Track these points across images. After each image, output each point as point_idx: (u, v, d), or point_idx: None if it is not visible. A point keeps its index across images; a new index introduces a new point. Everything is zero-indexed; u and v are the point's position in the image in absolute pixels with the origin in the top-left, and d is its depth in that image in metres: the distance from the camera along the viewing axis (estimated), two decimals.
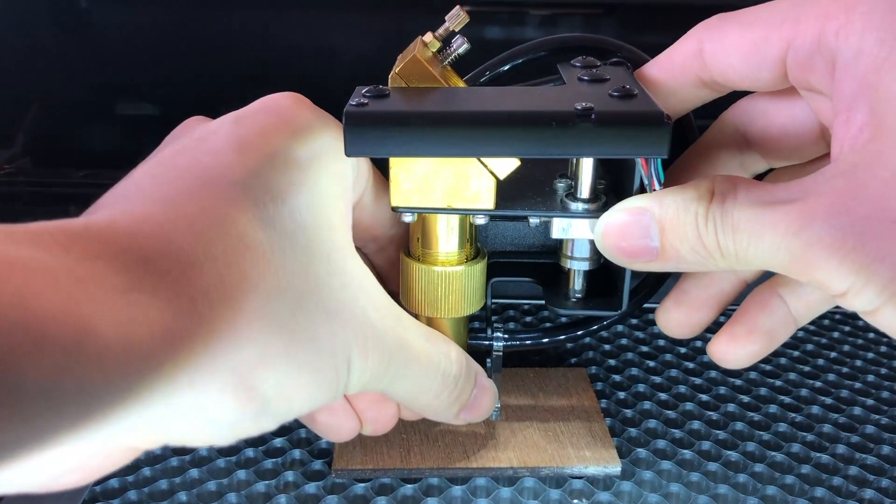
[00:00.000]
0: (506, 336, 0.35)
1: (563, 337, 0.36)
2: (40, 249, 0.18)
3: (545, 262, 0.36)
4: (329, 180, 0.27)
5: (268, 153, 0.25)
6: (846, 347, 0.47)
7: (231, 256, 0.22)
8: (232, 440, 0.24)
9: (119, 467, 0.25)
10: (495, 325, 0.35)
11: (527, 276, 0.36)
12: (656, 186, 0.26)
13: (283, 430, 0.39)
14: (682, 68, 0.30)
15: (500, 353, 0.35)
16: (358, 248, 0.33)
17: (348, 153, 0.26)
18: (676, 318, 0.32)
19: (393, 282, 0.34)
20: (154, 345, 0.19)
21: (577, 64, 0.31)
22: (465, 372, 0.31)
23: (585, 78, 0.29)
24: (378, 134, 0.26)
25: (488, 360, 0.36)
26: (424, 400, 0.30)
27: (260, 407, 0.23)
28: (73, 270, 0.18)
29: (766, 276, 0.31)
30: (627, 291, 0.32)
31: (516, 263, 0.37)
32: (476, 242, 0.32)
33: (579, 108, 0.25)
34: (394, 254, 0.33)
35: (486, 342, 0.35)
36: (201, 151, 0.25)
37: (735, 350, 0.30)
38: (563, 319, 0.38)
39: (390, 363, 0.27)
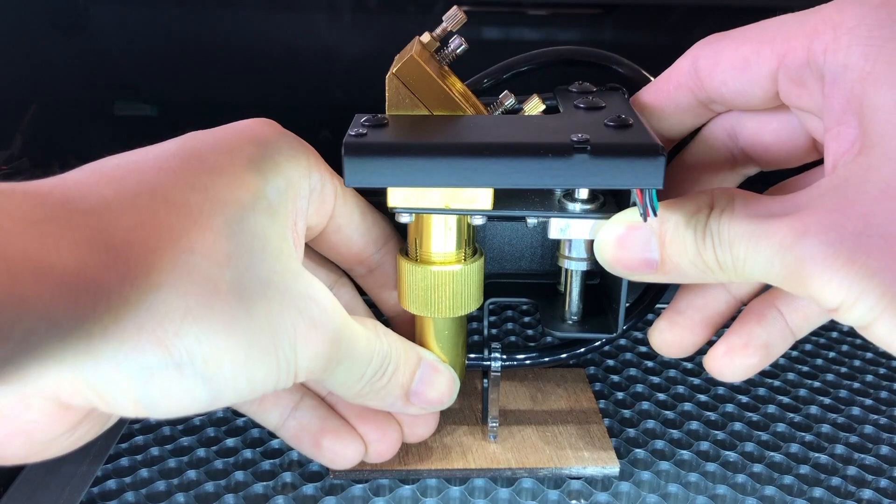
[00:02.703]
0: (503, 357, 0.36)
1: (564, 355, 0.36)
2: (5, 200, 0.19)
3: (542, 282, 0.37)
4: (283, 191, 0.27)
5: (224, 160, 0.26)
6: (845, 347, 0.47)
7: (155, 209, 0.23)
8: (162, 401, 0.23)
9: (64, 431, 0.24)
10: (493, 345, 0.36)
11: (524, 297, 0.36)
12: (650, 216, 0.26)
13: None
14: (678, 88, 0.30)
15: (498, 374, 0.35)
16: (344, 273, 0.34)
17: (348, 183, 0.27)
18: (670, 338, 0.32)
19: (385, 305, 0.35)
20: (66, 274, 0.19)
21: (574, 90, 0.32)
22: (395, 349, 0.30)
23: (581, 105, 0.30)
24: (377, 164, 0.26)
25: (485, 379, 0.36)
26: (360, 383, 0.29)
27: (180, 360, 0.23)
28: (40, 224, 0.19)
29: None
30: (623, 313, 0.32)
31: (514, 284, 0.37)
32: (474, 242, 0.32)
33: (575, 139, 0.26)
34: (384, 278, 0.34)
35: (485, 362, 0.35)
36: (153, 149, 0.26)
37: (732, 363, 0.30)
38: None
39: (338, 344, 0.27)
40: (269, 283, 0.25)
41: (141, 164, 0.24)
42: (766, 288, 0.30)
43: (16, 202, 0.20)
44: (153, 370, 0.22)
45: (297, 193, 0.28)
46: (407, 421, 0.34)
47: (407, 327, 0.34)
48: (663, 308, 0.49)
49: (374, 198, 0.32)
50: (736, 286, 0.31)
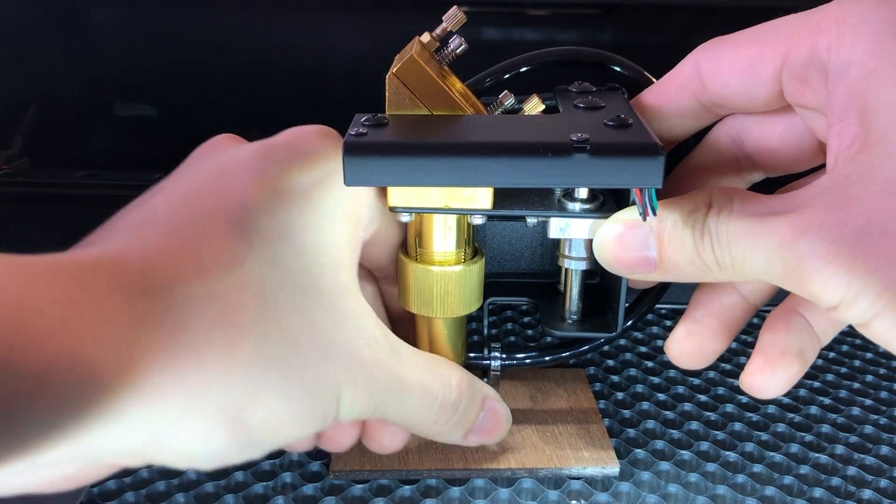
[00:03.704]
0: (503, 356, 0.36)
1: (566, 353, 0.36)
2: (55, 287, 0.19)
3: (542, 282, 0.37)
4: (343, 220, 0.27)
5: (285, 190, 0.26)
6: (845, 348, 0.47)
7: (233, 294, 0.23)
8: (216, 466, 0.24)
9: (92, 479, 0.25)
10: (493, 345, 0.36)
11: (524, 297, 0.36)
12: (650, 215, 0.26)
13: None
14: (681, 91, 0.30)
15: (498, 373, 0.35)
16: (366, 273, 0.34)
17: (347, 182, 0.27)
18: (689, 348, 0.31)
19: (393, 307, 0.35)
20: (150, 376, 0.20)
21: (573, 90, 0.32)
22: (466, 397, 0.31)
23: (581, 105, 0.30)
24: (377, 164, 0.26)
25: (485, 378, 0.36)
26: (423, 426, 0.30)
27: (246, 440, 0.23)
28: (81, 308, 0.19)
29: (775, 301, 0.31)
30: (622, 312, 0.32)
31: (513, 283, 0.37)
32: (474, 242, 0.32)
33: (575, 138, 0.26)
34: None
35: (485, 362, 0.35)
36: (223, 185, 0.25)
37: (774, 375, 0.29)
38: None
39: (382, 396, 0.27)
40: (325, 351, 0.25)
41: (225, 225, 0.24)
42: (779, 291, 0.29)
43: (107, 305, 0.20)
44: (221, 452, 0.23)
45: (357, 228, 0.28)
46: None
47: (412, 327, 0.34)
48: (663, 308, 0.50)
49: None
50: (749, 290, 0.31)
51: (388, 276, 0.34)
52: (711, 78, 0.29)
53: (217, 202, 0.25)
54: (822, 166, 0.30)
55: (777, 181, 0.32)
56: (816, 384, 0.43)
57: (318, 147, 0.28)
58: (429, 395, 0.29)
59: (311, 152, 0.27)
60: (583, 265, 0.33)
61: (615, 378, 0.43)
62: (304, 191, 0.26)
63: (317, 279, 0.25)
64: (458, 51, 0.30)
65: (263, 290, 0.24)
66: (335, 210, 0.27)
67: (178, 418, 0.22)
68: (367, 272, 0.34)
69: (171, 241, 0.23)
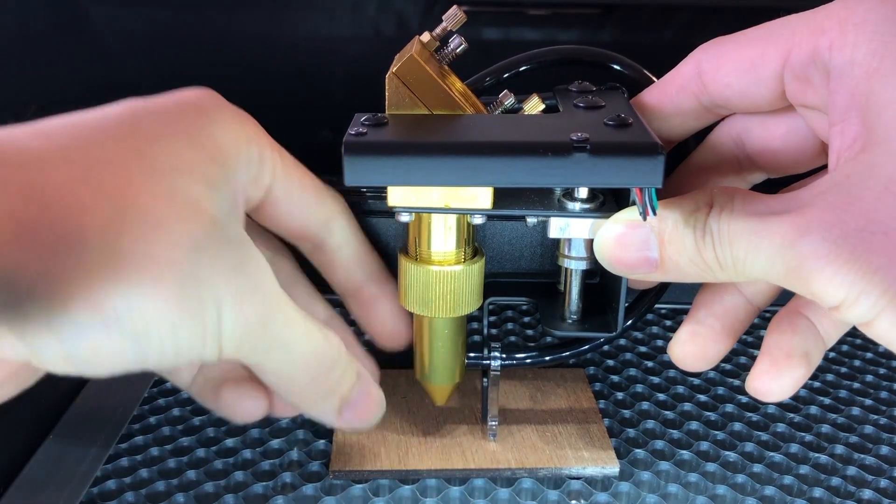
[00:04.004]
0: (503, 356, 0.35)
1: (566, 353, 0.36)
2: None
3: (542, 282, 0.37)
4: (220, 162, 0.26)
5: (161, 129, 0.26)
6: (845, 347, 0.47)
7: (90, 166, 0.23)
8: (91, 359, 0.23)
9: (16, 388, 0.25)
10: (493, 345, 0.36)
11: (524, 296, 0.36)
12: (650, 215, 0.26)
13: (281, 432, 0.39)
14: (681, 91, 0.30)
15: (498, 373, 0.35)
16: (293, 248, 0.33)
17: (348, 182, 0.27)
18: (693, 350, 0.31)
19: (333, 283, 0.34)
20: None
21: (573, 89, 0.32)
22: (344, 359, 0.29)
23: (581, 105, 0.29)
24: (377, 163, 0.26)
25: (485, 378, 0.36)
26: (300, 381, 0.28)
27: (108, 319, 0.22)
28: None
29: (778, 302, 0.31)
30: (622, 312, 0.32)
31: (513, 283, 0.37)
32: (474, 242, 0.32)
33: (575, 138, 0.26)
34: (329, 256, 0.33)
35: (484, 362, 0.35)
36: (93, 111, 0.26)
37: (780, 377, 0.28)
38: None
39: (267, 321, 0.26)
40: (200, 249, 0.24)
41: (79, 124, 0.24)
42: (782, 292, 0.29)
43: None
44: (83, 329, 0.22)
45: (235, 164, 0.27)
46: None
47: (361, 305, 0.34)
48: (663, 308, 0.50)
49: (329, 176, 0.31)
50: (752, 292, 0.31)
51: (316, 247, 0.32)
52: (712, 78, 0.29)
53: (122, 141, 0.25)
54: (824, 167, 0.30)
55: (778, 182, 0.32)
56: (816, 384, 0.43)
57: (197, 102, 0.28)
58: (312, 339, 0.28)
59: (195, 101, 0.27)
60: (583, 265, 0.33)
61: (615, 378, 0.43)
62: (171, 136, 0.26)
63: (199, 209, 0.25)
64: (458, 50, 0.30)
65: (150, 207, 0.23)
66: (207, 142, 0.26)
67: (61, 314, 0.21)
68: (281, 245, 0.33)
69: (59, 143, 0.23)
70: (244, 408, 0.31)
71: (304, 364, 0.28)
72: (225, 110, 0.28)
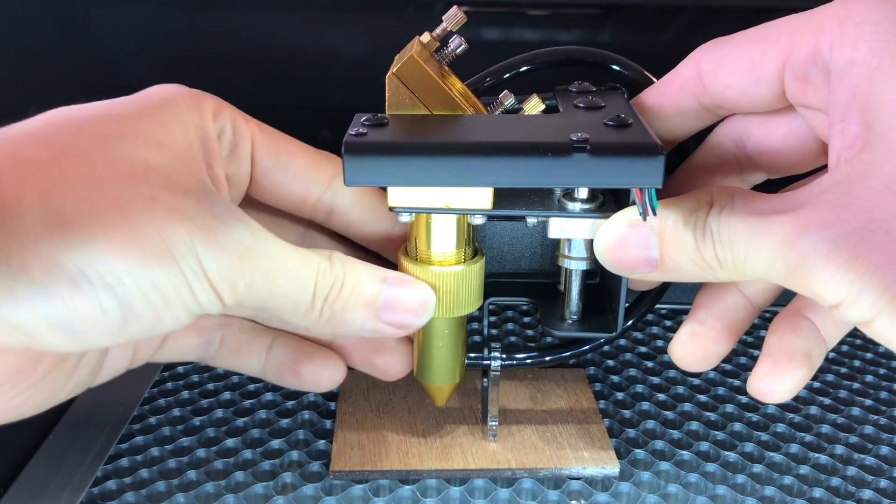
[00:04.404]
0: (503, 356, 0.36)
1: (566, 354, 0.36)
2: None
3: (542, 282, 0.37)
4: (176, 132, 0.27)
5: (109, 108, 0.26)
6: (844, 348, 0.47)
7: (24, 146, 0.23)
8: (76, 321, 0.23)
9: (17, 377, 0.25)
10: (493, 345, 0.36)
11: (524, 297, 0.36)
12: (650, 215, 0.26)
13: (281, 432, 0.39)
14: (681, 92, 0.30)
15: (498, 373, 0.35)
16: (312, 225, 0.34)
17: (348, 182, 0.27)
18: (693, 350, 0.31)
19: (364, 240, 0.34)
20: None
21: (573, 89, 0.32)
22: (352, 269, 0.29)
23: (581, 105, 0.30)
24: (377, 163, 0.26)
25: (485, 379, 0.36)
26: (316, 307, 0.28)
27: (72, 273, 0.22)
28: None
29: (779, 302, 0.31)
30: (622, 312, 0.32)
31: (513, 283, 0.37)
32: (474, 242, 0.32)
33: (575, 138, 0.26)
34: (344, 218, 0.33)
35: (485, 362, 0.35)
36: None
37: (782, 379, 0.29)
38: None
39: (254, 256, 0.25)
40: (155, 199, 0.24)
41: (24, 121, 0.25)
42: (783, 291, 0.29)
43: None
44: (49, 289, 0.22)
45: (197, 135, 0.27)
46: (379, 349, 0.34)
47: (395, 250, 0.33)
48: (663, 308, 0.50)
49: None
50: (753, 292, 0.31)
51: (329, 214, 0.33)
52: (712, 78, 0.29)
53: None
54: (825, 167, 0.30)
55: (779, 182, 0.32)
56: (816, 384, 0.43)
57: (157, 92, 0.28)
58: (309, 264, 0.27)
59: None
60: (583, 265, 0.33)
61: (615, 378, 0.43)
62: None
63: (150, 169, 0.25)
64: (458, 51, 0.30)
65: (94, 169, 0.24)
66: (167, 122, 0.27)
67: (24, 281, 0.22)
68: (306, 223, 0.34)
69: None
70: (327, 378, 0.33)
71: (308, 288, 0.27)
72: (179, 90, 0.28)
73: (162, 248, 0.23)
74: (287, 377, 0.34)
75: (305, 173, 0.31)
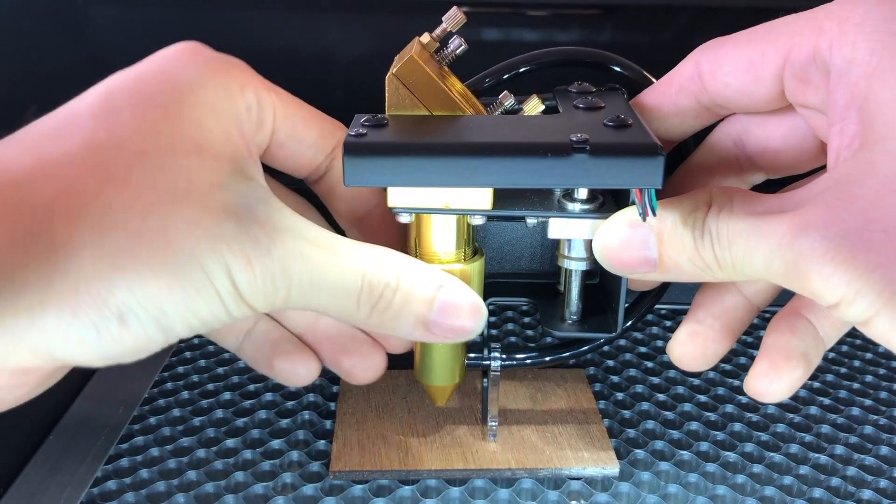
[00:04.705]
0: (503, 356, 0.36)
1: (566, 354, 0.36)
2: None
3: (542, 282, 0.37)
4: (211, 127, 0.26)
5: (139, 112, 0.26)
6: (844, 348, 0.47)
7: (72, 174, 0.23)
8: (120, 349, 0.24)
9: (22, 387, 0.25)
10: (493, 345, 0.36)
11: (524, 297, 0.36)
12: (650, 215, 0.26)
13: (281, 432, 0.39)
14: (681, 91, 0.30)
15: (498, 374, 0.35)
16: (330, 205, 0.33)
17: (347, 183, 0.27)
18: (692, 350, 0.31)
19: (338, 213, 0.34)
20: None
21: (573, 90, 0.32)
22: (406, 276, 0.28)
23: (581, 106, 0.30)
24: (377, 164, 0.26)
25: (485, 379, 0.36)
26: (361, 314, 0.27)
27: (119, 311, 0.23)
28: None
29: (778, 302, 0.31)
30: (622, 312, 0.32)
31: (513, 283, 0.37)
32: (474, 242, 0.32)
33: (574, 139, 0.26)
34: (331, 182, 0.32)
35: (484, 362, 0.35)
36: (73, 106, 0.26)
37: (779, 379, 0.28)
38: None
39: (287, 269, 0.25)
40: (198, 224, 0.24)
41: (60, 128, 0.25)
42: (782, 291, 0.29)
43: None
44: (99, 326, 0.23)
45: (233, 121, 0.27)
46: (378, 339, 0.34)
47: (375, 231, 0.33)
48: (663, 308, 0.50)
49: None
50: (752, 292, 0.31)
51: (321, 178, 0.32)
52: (712, 78, 0.29)
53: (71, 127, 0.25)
54: (824, 167, 0.30)
55: (778, 183, 0.32)
56: (816, 384, 0.43)
57: (176, 70, 0.27)
58: (351, 274, 0.27)
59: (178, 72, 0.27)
60: (582, 265, 0.33)
61: (615, 378, 0.43)
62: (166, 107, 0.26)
63: (191, 183, 0.25)
64: (457, 51, 0.30)
65: (105, 166, 0.24)
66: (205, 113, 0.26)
67: (74, 319, 0.22)
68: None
69: (42, 155, 0.24)
70: (298, 374, 0.32)
71: (352, 297, 0.27)
72: (206, 67, 0.28)
73: (202, 278, 0.24)
74: (261, 365, 0.33)
75: (316, 144, 0.31)
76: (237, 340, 0.33)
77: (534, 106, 0.30)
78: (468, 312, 0.29)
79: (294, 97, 0.31)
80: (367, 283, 0.27)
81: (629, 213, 0.27)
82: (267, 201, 0.26)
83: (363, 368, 0.33)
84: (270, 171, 0.30)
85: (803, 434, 0.39)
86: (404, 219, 0.30)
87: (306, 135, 0.31)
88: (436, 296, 0.28)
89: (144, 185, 0.24)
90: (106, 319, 0.23)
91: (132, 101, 0.26)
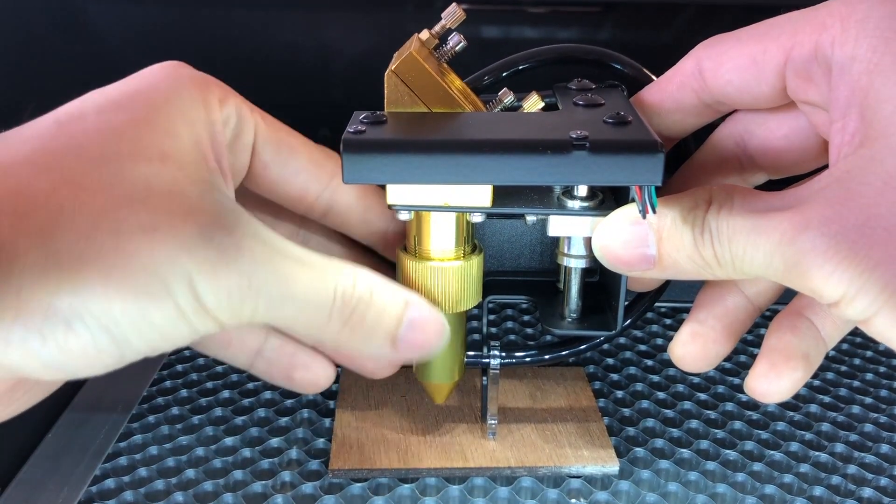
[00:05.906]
0: (502, 354, 0.35)
1: (565, 352, 0.36)
2: None
3: (542, 280, 0.37)
4: (181, 138, 0.26)
5: (107, 119, 0.25)
6: (845, 346, 0.46)
7: (23, 171, 0.23)
8: (71, 361, 0.23)
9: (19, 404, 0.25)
10: (492, 343, 0.35)
11: (523, 295, 0.36)
12: (650, 212, 0.26)
13: (280, 430, 0.39)
14: (682, 88, 0.30)
15: (497, 372, 0.35)
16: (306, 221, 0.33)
17: (346, 180, 0.27)
18: (694, 350, 0.31)
19: (359, 236, 0.34)
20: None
21: (573, 87, 0.32)
22: (378, 293, 0.27)
23: (580, 103, 0.29)
24: (376, 161, 0.26)
25: (484, 377, 0.36)
26: (331, 329, 0.27)
27: (67, 316, 0.22)
28: None
29: (780, 302, 0.31)
30: (622, 310, 0.32)
31: (513, 281, 0.37)
32: (473, 239, 0.32)
33: (574, 136, 0.26)
34: (340, 217, 0.33)
35: (484, 360, 0.35)
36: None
37: (779, 379, 0.28)
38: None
39: (255, 281, 0.24)
40: (155, 229, 0.23)
41: (24, 134, 0.25)
42: (784, 291, 0.29)
43: None
44: (44, 331, 0.22)
45: (205, 129, 0.27)
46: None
47: (388, 247, 0.34)
48: (663, 306, 0.50)
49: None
50: (753, 292, 0.31)
51: (325, 213, 0.32)
52: (713, 75, 0.29)
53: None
54: (826, 167, 0.30)
55: (779, 184, 0.32)
56: (816, 382, 0.43)
57: (153, 92, 0.27)
58: (322, 287, 0.26)
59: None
60: (582, 263, 0.33)
61: (615, 376, 0.43)
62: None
63: (151, 190, 0.24)
64: (457, 48, 0.30)
65: (92, 199, 0.23)
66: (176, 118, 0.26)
67: (19, 323, 0.21)
68: (299, 219, 0.34)
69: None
70: (320, 384, 0.33)
71: (323, 311, 0.26)
72: (186, 80, 0.28)
73: (158, 287, 0.23)
74: (277, 380, 0.33)
75: (306, 170, 0.31)
76: (248, 359, 0.32)
77: (533, 103, 0.30)
78: (434, 329, 0.29)
79: (283, 125, 0.31)
80: (340, 296, 0.26)
81: (629, 211, 0.27)
82: (234, 211, 0.25)
83: (311, 378, 0.33)
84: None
85: (803, 432, 0.39)
86: (403, 216, 0.30)
87: (292, 159, 0.30)
88: (405, 312, 0.28)
89: (99, 189, 0.23)
90: (51, 324, 0.22)
91: (101, 107, 0.26)
